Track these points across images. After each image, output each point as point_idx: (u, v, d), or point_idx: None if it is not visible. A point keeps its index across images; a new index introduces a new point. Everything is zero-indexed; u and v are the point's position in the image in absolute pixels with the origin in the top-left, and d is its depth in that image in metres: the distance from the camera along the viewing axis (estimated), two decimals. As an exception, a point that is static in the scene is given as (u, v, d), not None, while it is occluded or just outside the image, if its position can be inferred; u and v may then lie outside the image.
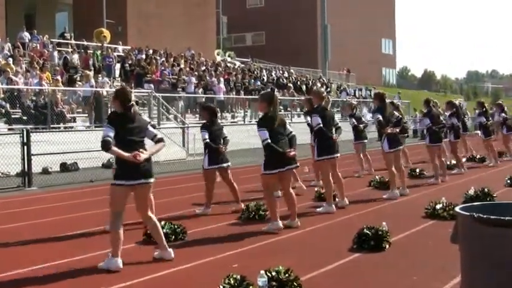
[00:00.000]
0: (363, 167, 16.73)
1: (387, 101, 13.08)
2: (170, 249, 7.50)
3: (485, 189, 11.43)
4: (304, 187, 13.00)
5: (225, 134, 11.16)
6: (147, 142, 7.36)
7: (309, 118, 13.88)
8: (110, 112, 9.39)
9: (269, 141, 8.95)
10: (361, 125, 16.52)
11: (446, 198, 10.41)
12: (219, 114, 11.25)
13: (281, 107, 34.24)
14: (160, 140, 7.38)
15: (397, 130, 12.73)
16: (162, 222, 8.69)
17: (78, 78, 25.23)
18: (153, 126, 7.87)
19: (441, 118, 15.57)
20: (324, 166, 11.07)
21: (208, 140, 10.75)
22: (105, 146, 6.99)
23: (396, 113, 13.52)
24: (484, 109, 20.02)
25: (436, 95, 73.41)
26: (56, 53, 28.76)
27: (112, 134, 7.01)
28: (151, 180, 7.33)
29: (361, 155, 16.83)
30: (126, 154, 6.99)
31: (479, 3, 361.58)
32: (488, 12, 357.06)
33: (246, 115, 30.18)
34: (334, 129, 11.12)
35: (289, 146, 9.23)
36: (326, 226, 9.71)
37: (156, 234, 7.51)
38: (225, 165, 11.02)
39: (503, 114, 21.54)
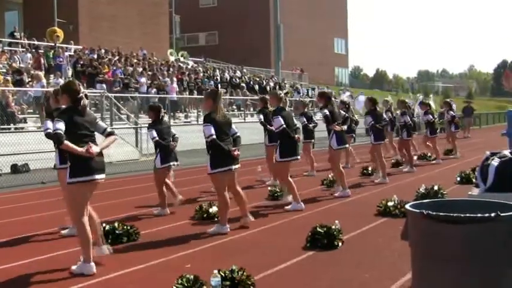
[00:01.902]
0: (313, 167, 16.82)
1: (336, 100, 13.40)
2: (104, 246, 7.43)
3: (436, 187, 11.62)
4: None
5: (173, 132, 11.22)
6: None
7: (261, 116, 13.96)
8: (51, 110, 9.08)
9: (214, 137, 8.81)
10: (311, 125, 16.61)
11: (397, 196, 10.54)
12: (163, 113, 11.23)
13: (234, 107, 34.34)
14: (111, 133, 7.22)
15: (345, 127, 12.87)
16: (115, 223, 8.62)
17: (27, 80, 24.81)
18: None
19: (384, 116, 15.95)
20: (285, 168, 11.15)
21: (157, 138, 10.78)
22: (58, 139, 6.74)
23: (342, 112, 13.62)
24: (429, 107, 20.38)
25: (389, 94, 74.32)
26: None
27: (63, 127, 6.75)
28: (103, 176, 7.14)
29: (311, 154, 16.95)
30: (79, 149, 6.78)
31: (428, 4, 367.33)
32: (438, 12, 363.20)
33: (199, 115, 30.10)
34: (294, 130, 11.25)
35: (233, 146, 9.16)
36: (279, 225, 9.74)
37: (93, 230, 7.21)
38: (175, 163, 11.08)
39: (451, 113, 22.05)
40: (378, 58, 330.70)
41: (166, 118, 11.72)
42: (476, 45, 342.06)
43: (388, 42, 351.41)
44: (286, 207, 11.03)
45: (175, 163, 11.14)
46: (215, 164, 8.93)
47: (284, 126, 10.88)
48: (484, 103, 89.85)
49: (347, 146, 13.65)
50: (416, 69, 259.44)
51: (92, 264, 6.90)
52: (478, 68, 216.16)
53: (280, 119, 10.91)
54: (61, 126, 6.75)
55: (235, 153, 9.04)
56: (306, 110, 16.92)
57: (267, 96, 13.75)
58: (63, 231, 9.18)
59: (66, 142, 6.75)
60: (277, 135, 11.30)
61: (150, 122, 11.23)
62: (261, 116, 14.04)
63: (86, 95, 7.16)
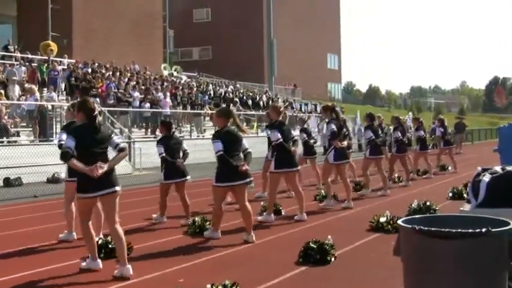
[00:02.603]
0: (319, 179, 16.86)
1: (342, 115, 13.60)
2: (129, 266, 7.39)
3: (428, 203, 11.68)
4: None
5: (184, 148, 11.41)
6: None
7: (269, 132, 14.06)
8: (67, 123, 9.43)
9: (222, 152, 9.09)
10: (311, 141, 16.66)
11: (390, 212, 10.58)
12: (174, 128, 11.53)
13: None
14: (122, 150, 7.37)
15: (345, 144, 13.02)
16: (108, 238, 8.62)
17: (19, 93, 24.80)
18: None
19: (379, 132, 16.14)
20: (276, 179, 11.32)
21: (164, 154, 10.95)
22: (65, 157, 6.96)
23: (344, 129, 13.77)
24: (420, 123, 20.51)
25: (381, 109, 74.51)
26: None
27: (73, 145, 6.96)
28: (117, 188, 7.31)
29: (317, 169, 17.02)
30: (84, 168, 6.95)
31: (420, 20, 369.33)
32: (431, 28, 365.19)
33: (192, 129, 30.11)
34: (291, 143, 11.36)
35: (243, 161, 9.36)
36: (274, 239, 9.76)
37: (118, 247, 7.39)
38: (180, 180, 11.22)
39: (441, 129, 22.20)
40: (370, 74, 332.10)
41: (177, 133, 12.00)
42: (468, 62, 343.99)
43: (380, 58, 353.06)
44: (259, 218, 11.24)
45: (184, 179, 11.28)
46: (219, 178, 9.26)
47: (281, 140, 11.07)
48: (476, 119, 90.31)
49: (347, 161, 13.84)
50: (409, 85, 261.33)
51: (99, 261, 7.60)
52: (470, 84, 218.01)
53: (277, 133, 11.11)
54: (71, 143, 6.98)
55: (244, 168, 9.18)
56: (305, 126, 17.01)
57: None
58: (61, 235, 9.55)
59: (73, 160, 6.96)
60: (274, 149, 11.47)
61: (161, 136, 11.44)
62: (269, 132, 14.11)
63: (100, 112, 7.32)
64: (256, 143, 17.25)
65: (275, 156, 11.36)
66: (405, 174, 17.67)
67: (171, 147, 11.09)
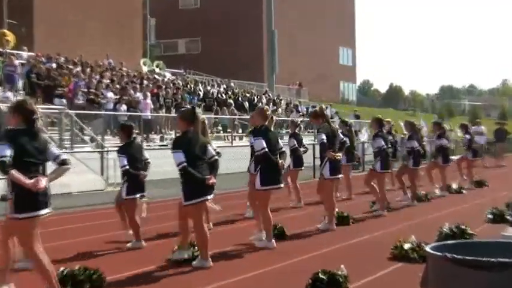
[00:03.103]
0: (299, 198, 16.92)
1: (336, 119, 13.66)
2: None
3: (462, 226, 11.63)
4: (211, 225, 12.92)
5: (146, 156, 11.49)
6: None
7: (253, 139, 14.01)
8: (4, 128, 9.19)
9: (185, 164, 9.15)
10: (301, 149, 16.66)
11: (416, 236, 10.54)
12: (135, 133, 11.50)
13: (219, 127, 34.38)
14: (64, 162, 7.32)
15: (340, 155, 13.03)
16: (76, 267, 8.56)
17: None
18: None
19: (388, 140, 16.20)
20: (265, 197, 11.32)
21: (128, 167, 11.06)
22: (2, 168, 6.85)
23: (341, 135, 13.78)
24: (443, 130, 20.44)
25: (405, 114, 74.64)
26: None
27: (9, 154, 6.86)
28: (49, 210, 7.23)
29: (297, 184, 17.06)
30: (27, 181, 6.84)
31: (452, 10, 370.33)
32: (463, 18, 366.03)
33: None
34: (278, 154, 11.33)
35: (209, 172, 9.42)
36: (273, 270, 9.70)
37: (46, 275, 7.25)
38: (142, 195, 11.44)
39: (467, 136, 22.17)
40: (391, 71, 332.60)
41: (138, 139, 12.03)
42: (510, 57, 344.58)
43: (403, 52, 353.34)
44: (256, 243, 11.31)
45: (140, 195, 11.41)
46: (190, 196, 9.27)
47: (266, 149, 11.03)
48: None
49: (340, 176, 13.81)
50: (438, 84, 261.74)
51: None
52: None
53: (262, 141, 11.08)
54: (6, 152, 6.86)
55: (211, 181, 9.30)
56: (296, 131, 16.97)
57: None
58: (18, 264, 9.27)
59: (13, 172, 6.84)
60: (257, 160, 11.40)
61: (121, 144, 11.40)
62: (253, 139, 14.05)
63: (40, 116, 7.28)
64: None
65: (259, 169, 11.27)
66: (411, 190, 17.57)
67: (133, 157, 11.22)
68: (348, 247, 11.59)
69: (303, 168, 17.09)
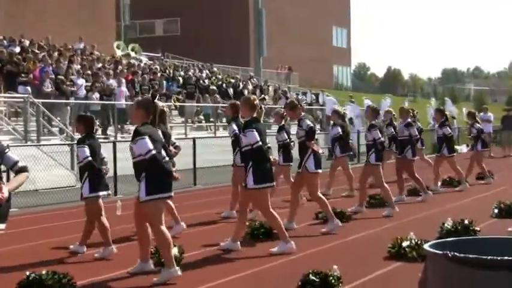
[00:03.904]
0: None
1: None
2: None
3: (466, 221, 11.67)
4: (184, 226, 12.84)
5: (102, 154, 11.45)
6: None
7: (235, 127, 13.98)
8: None
9: (154, 152, 8.98)
10: (292, 143, 16.60)
11: (416, 233, 10.57)
12: (97, 125, 11.43)
13: (201, 117, 34.36)
14: (23, 170, 7.19)
15: (320, 150, 13.02)
16: (43, 271, 8.54)
17: None
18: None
19: (391, 130, 16.14)
20: (265, 195, 11.13)
21: (91, 159, 10.89)
22: None
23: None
24: (445, 118, 20.47)
25: (404, 99, 74.73)
26: None
27: None
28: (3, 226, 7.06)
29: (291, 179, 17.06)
30: None
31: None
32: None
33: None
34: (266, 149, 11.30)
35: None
36: (260, 272, 9.72)
37: None
38: (105, 193, 11.30)
39: (477, 125, 22.14)
40: (389, 54, 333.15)
41: (99, 133, 11.98)
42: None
43: (402, 33, 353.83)
44: (272, 250, 11.02)
45: (106, 193, 11.32)
46: (152, 189, 9.05)
47: (260, 143, 10.87)
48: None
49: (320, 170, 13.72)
50: (441, 67, 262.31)
51: None
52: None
53: (255, 133, 10.90)
54: None
55: (176, 175, 9.31)
56: (284, 122, 16.84)
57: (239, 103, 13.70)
58: None
59: None
60: (248, 155, 11.28)
61: (82, 136, 11.27)
62: (235, 127, 14.01)
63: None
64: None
65: (252, 166, 11.11)
66: (419, 185, 17.59)
67: (95, 151, 11.07)
68: (342, 245, 11.61)
69: (291, 163, 17.04)
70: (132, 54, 45.03)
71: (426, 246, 4.50)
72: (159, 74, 36.84)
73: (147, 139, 8.97)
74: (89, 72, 31.17)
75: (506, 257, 4.14)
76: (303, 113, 13.17)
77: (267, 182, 11.02)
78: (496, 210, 14.46)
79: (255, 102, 11.38)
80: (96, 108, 27.74)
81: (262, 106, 12.02)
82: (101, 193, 11.08)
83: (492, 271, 4.09)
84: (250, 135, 10.94)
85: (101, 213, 11.05)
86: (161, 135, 9.51)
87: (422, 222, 13.51)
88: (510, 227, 8.54)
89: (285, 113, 17.43)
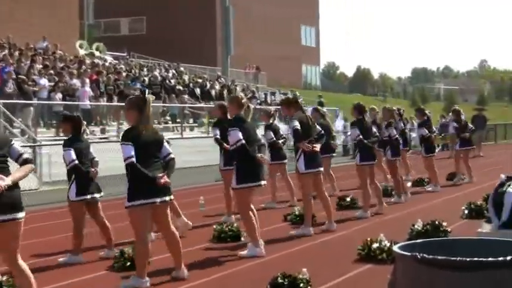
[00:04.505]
0: (274, 197, 16.94)
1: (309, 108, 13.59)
2: None
3: (436, 222, 11.75)
4: (190, 224, 12.90)
5: (92, 154, 11.19)
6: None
7: (217, 131, 14.02)
8: None
9: (133, 160, 8.81)
10: (280, 140, 16.61)
11: (385, 235, 10.61)
12: (84, 127, 11.24)
13: (168, 117, 34.27)
14: (28, 161, 7.26)
15: (317, 147, 12.96)
16: (4, 277, 8.50)
17: None
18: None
19: (374, 130, 16.09)
20: (245, 196, 11.16)
21: (77, 162, 10.71)
22: None
23: (318, 127, 13.61)
24: (426, 117, 20.67)
25: (374, 100, 75.04)
26: None
27: None
28: (21, 215, 7.24)
29: (288, 178, 17.04)
30: None
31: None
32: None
33: (120, 129, 29.89)
34: (257, 147, 11.30)
35: (164, 171, 9.14)
36: (229, 275, 9.73)
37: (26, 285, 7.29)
38: (97, 195, 11.07)
39: (454, 124, 22.30)
40: (359, 53, 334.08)
41: (87, 133, 11.76)
42: (489, 36, 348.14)
43: (372, 32, 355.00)
44: (241, 253, 11.02)
45: (98, 195, 11.14)
46: (133, 195, 8.91)
47: (243, 142, 10.90)
48: (501, 110, 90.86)
49: (321, 169, 13.65)
50: (410, 67, 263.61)
51: None
52: (491, 65, 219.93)
53: (239, 132, 10.92)
54: None
55: (163, 180, 8.96)
56: (271, 121, 16.89)
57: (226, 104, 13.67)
58: None
59: None
60: (234, 155, 11.32)
61: (67, 138, 11.12)
62: (217, 132, 14.06)
63: None
64: (208, 145, 17.16)
65: (235, 166, 11.16)
66: (395, 186, 17.65)
67: (82, 153, 10.90)
68: (312, 247, 11.64)
69: (284, 161, 17.03)
70: (97, 53, 44.80)
71: (395, 248, 4.53)
72: (124, 74, 36.69)
73: (129, 146, 8.84)
74: (52, 72, 31.00)
75: (475, 258, 4.18)
76: (296, 112, 13.10)
77: (249, 182, 11.03)
78: (466, 211, 14.57)
79: (243, 101, 11.48)
80: (59, 109, 27.55)
81: (250, 105, 11.99)
82: (88, 197, 10.90)
83: (461, 272, 4.12)
84: (233, 134, 11.04)
85: (84, 218, 10.94)
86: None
87: (394, 223, 13.58)
88: (479, 228, 8.61)
89: (272, 112, 17.53)
